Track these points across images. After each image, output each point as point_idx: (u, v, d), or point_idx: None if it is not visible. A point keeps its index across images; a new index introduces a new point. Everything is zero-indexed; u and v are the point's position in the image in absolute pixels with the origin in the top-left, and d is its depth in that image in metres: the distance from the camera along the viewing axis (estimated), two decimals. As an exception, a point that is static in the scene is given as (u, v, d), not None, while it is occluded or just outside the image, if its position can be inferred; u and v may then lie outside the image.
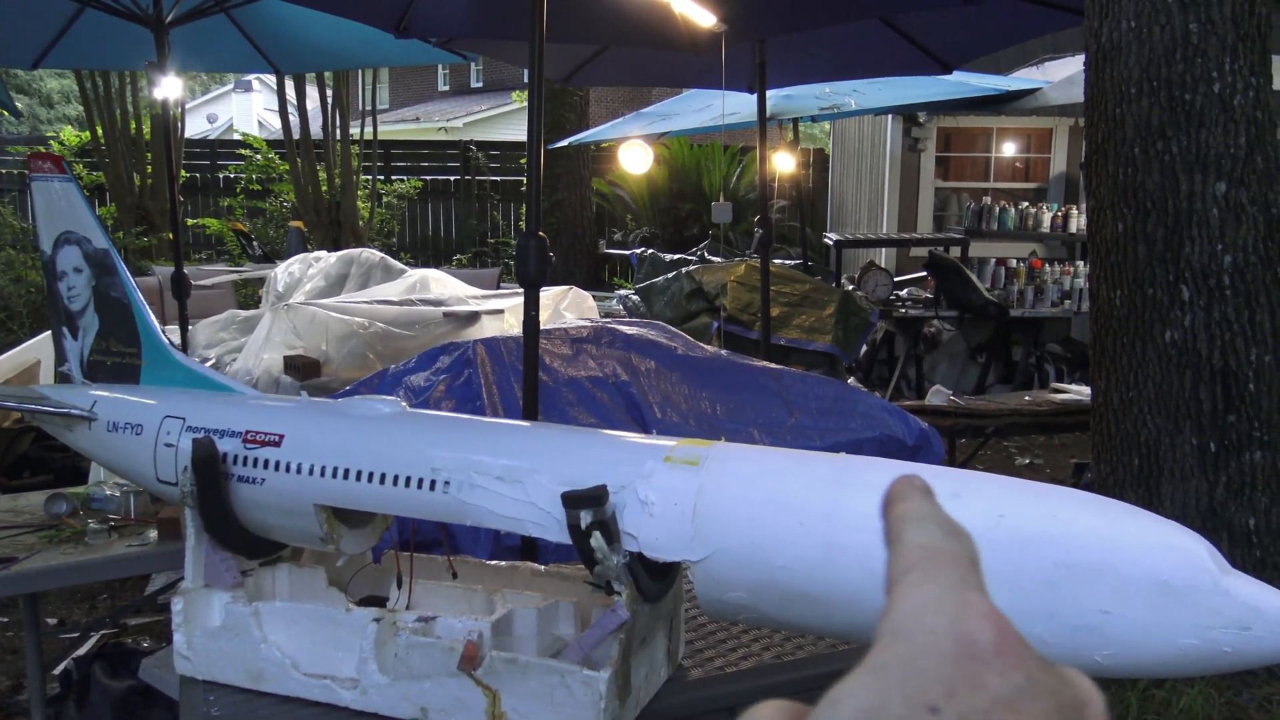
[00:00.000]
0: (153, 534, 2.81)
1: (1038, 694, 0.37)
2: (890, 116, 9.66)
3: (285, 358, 4.74)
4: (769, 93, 6.24)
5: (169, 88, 5.39)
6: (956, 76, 6.73)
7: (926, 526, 0.43)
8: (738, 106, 6.68)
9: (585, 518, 1.63)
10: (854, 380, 8.42)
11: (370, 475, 1.84)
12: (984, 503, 1.51)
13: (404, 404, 1.99)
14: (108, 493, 3.00)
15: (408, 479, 1.81)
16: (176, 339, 5.66)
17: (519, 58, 5.68)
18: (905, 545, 0.41)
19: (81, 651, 3.30)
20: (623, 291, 8.75)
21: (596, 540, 1.63)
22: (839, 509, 1.55)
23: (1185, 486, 3.33)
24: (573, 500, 1.64)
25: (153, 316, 2.26)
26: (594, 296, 6.44)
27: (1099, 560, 1.44)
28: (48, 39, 6.23)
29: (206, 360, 5.15)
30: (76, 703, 3.12)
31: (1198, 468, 3.31)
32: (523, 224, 14.06)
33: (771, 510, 1.58)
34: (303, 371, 4.61)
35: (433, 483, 1.79)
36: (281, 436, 1.94)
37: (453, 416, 2.17)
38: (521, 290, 5.42)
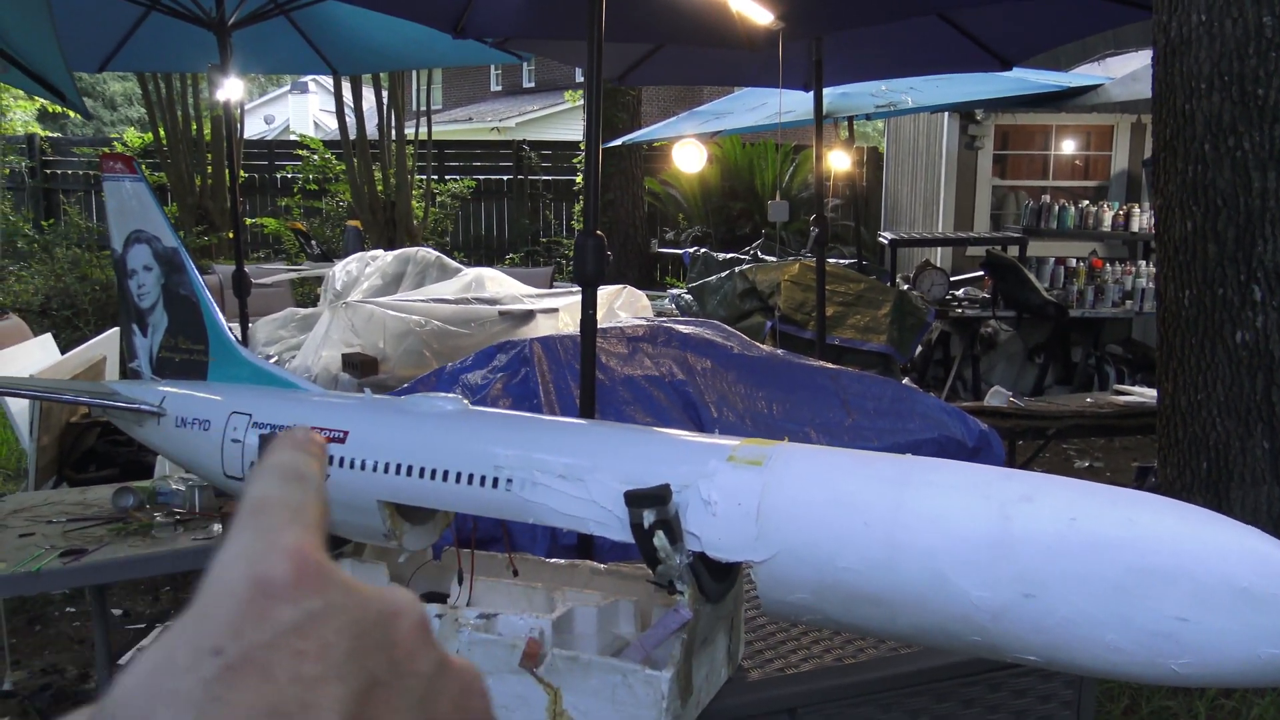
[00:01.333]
0: (217, 528, 2.85)
1: (332, 615, 0.37)
2: (946, 114, 9.54)
3: (343, 355, 4.80)
4: (825, 90, 6.20)
5: (231, 89, 5.48)
6: (1015, 73, 6.62)
7: (267, 478, 0.42)
8: (792, 105, 6.64)
9: (648, 517, 1.62)
10: (909, 381, 8.33)
11: (433, 472, 1.85)
12: (1056, 506, 1.48)
13: (465, 402, 2.00)
14: (173, 487, 3.06)
15: (470, 476, 1.82)
16: (238, 336, 5.76)
17: (574, 57, 5.69)
18: (242, 501, 0.41)
19: (146, 642, 3.37)
20: (675, 291, 8.74)
21: (660, 540, 1.62)
22: (903, 510, 1.53)
23: (1257, 491, 3.25)
24: (636, 499, 1.64)
25: (219, 314, 2.30)
26: (647, 296, 6.44)
27: (1175, 565, 1.40)
28: (113, 43, 6.37)
29: (269, 358, 5.23)
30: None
31: (1270, 472, 3.23)
32: (575, 223, 14.11)
33: (835, 511, 1.57)
34: (361, 369, 4.67)
35: (495, 480, 1.79)
36: (346, 433, 1.96)
37: (513, 414, 2.18)
38: (575, 289, 5.43)
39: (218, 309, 2.30)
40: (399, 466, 1.88)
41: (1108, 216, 9.01)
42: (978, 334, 8.36)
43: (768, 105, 7.53)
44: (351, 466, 1.93)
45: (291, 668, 0.36)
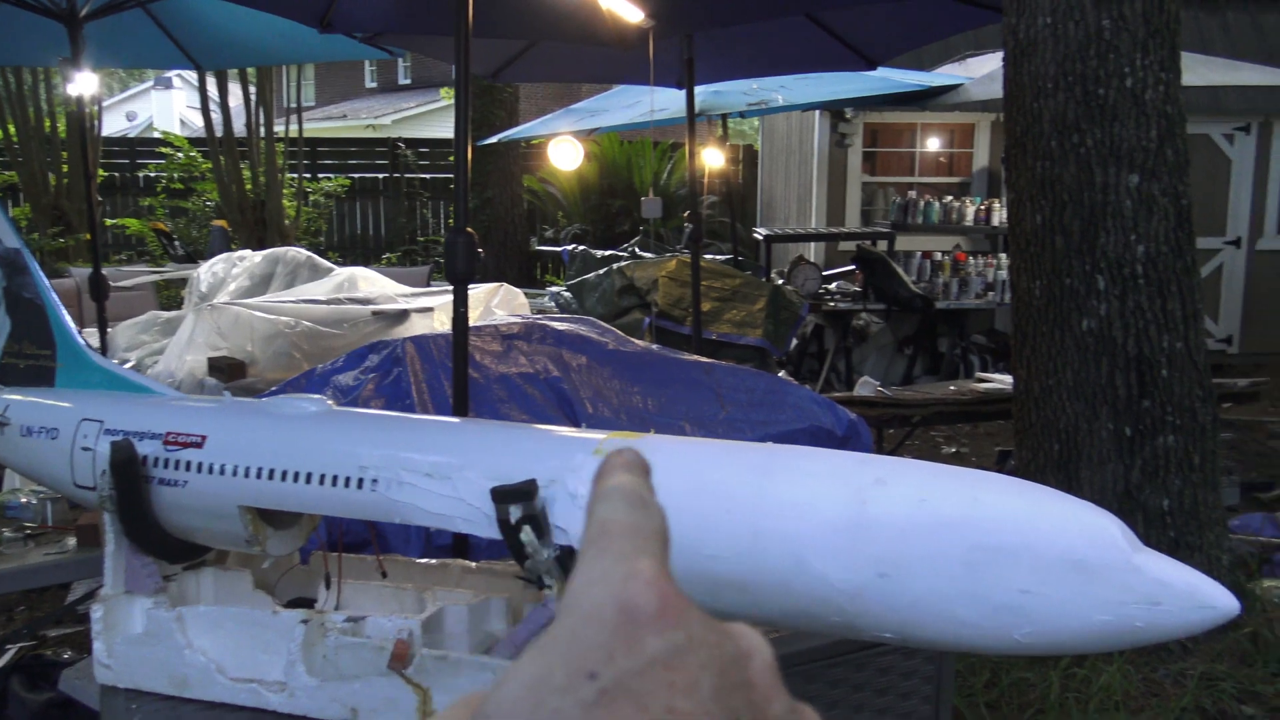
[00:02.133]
0: (71, 541, 2.74)
1: (696, 649, 0.38)
2: (817, 113, 9.76)
3: (209, 359, 4.65)
4: (698, 88, 6.28)
5: (84, 84, 5.25)
6: (881, 73, 6.82)
7: (613, 502, 0.44)
8: (666, 102, 6.71)
9: (515, 512, 1.62)
10: (784, 373, 8.50)
11: (296, 475, 1.81)
12: (907, 488, 1.54)
13: (330, 402, 1.97)
14: (23, 500, 2.92)
15: (334, 478, 1.79)
16: (95, 342, 5.52)
17: (447, 53, 5.63)
18: (590, 522, 0.43)
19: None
20: (554, 288, 8.73)
21: (527, 535, 1.63)
22: (765, 497, 1.57)
23: (1102, 470, 3.43)
24: (502, 495, 1.64)
25: (68, 318, 2.20)
26: (525, 294, 6.42)
27: (1016, 541, 1.48)
28: (-46, 34, 6.02)
29: (127, 363, 5.03)
30: (-6, 717, 3.02)
31: (1114, 452, 3.41)
32: (452, 222, 13.95)
33: (700, 500, 1.60)
34: (228, 373, 4.53)
35: (360, 481, 1.77)
36: (204, 437, 1.91)
37: (380, 414, 2.15)
38: (450, 288, 5.38)
39: (66, 313, 2.21)
40: (260, 470, 1.84)
41: (970, 211, 9.37)
42: (850, 327, 8.59)
43: (643, 103, 7.58)
44: (210, 471, 1.88)
45: (664, 700, 0.36)
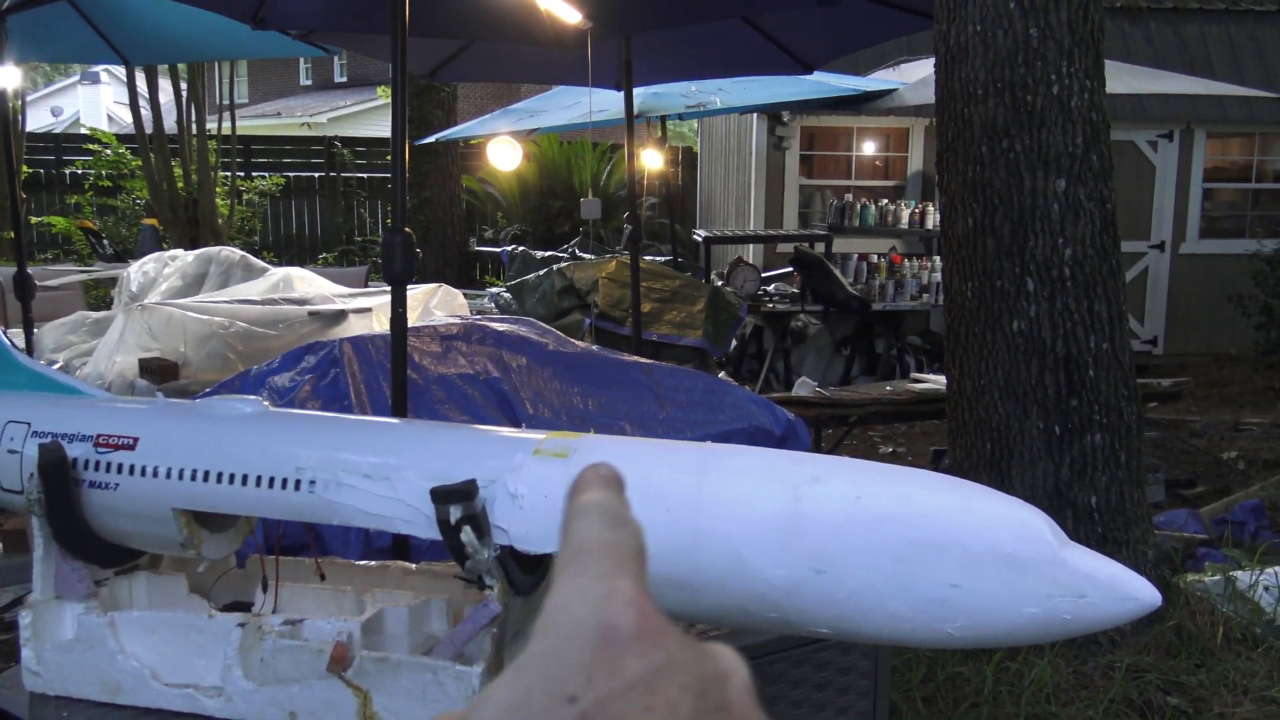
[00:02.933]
0: (-3, 547, 2.67)
1: (675, 671, 0.38)
2: (755, 115, 9.85)
3: (141, 360, 4.56)
4: (636, 90, 6.29)
5: (7, 78, 5.11)
6: (817, 77, 6.91)
7: (591, 519, 0.43)
8: (605, 104, 6.72)
9: (455, 513, 1.62)
10: (725, 374, 8.57)
11: (231, 477, 1.79)
12: (843, 485, 1.57)
13: (266, 403, 1.95)
14: (-54, 505, 2.84)
15: (271, 479, 1.77)
16: (20, 343, 5.38)
17: (382, 52, 5.59)
18: (568, 539, 0.42)
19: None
20: (494, 289, 8.70)
21: (467, 535, 1.63)
22: (702, 495, 1.59)
23: (1033, 468, 3.52)
24: (442, 495, 1.63)
25: (-7, 317, 2.15)
26: (465, 295, 6.38)
27: (946, 536, 1.51)
28: None
29: (54, 364, 4.91)
30: (-85, 730, 2.93)
31: (1044, 450, 3.50)
32: (390, 221, 13.81)
33: (639, 499, 1.60)
34: (160, 374, 4.45)
35: (297, 482, 1.76)
36: (136, 439, 1.87)
37: (317, 415, 2.13)
38: (389, 288, 5.34)
39: (-10, 312, 2.16)
40: (194, 472, 1.82)
41: (905, 214, 9.52)
42: (788, 328, 8.68)
43: (582, 104, 7.58)
44: (143, 474, 1.85)
45: None
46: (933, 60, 3.80)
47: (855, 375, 8.72)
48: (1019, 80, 3.41)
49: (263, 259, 6.40)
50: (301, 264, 9.73)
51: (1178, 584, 3.71)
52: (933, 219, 9.36)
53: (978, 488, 1.61)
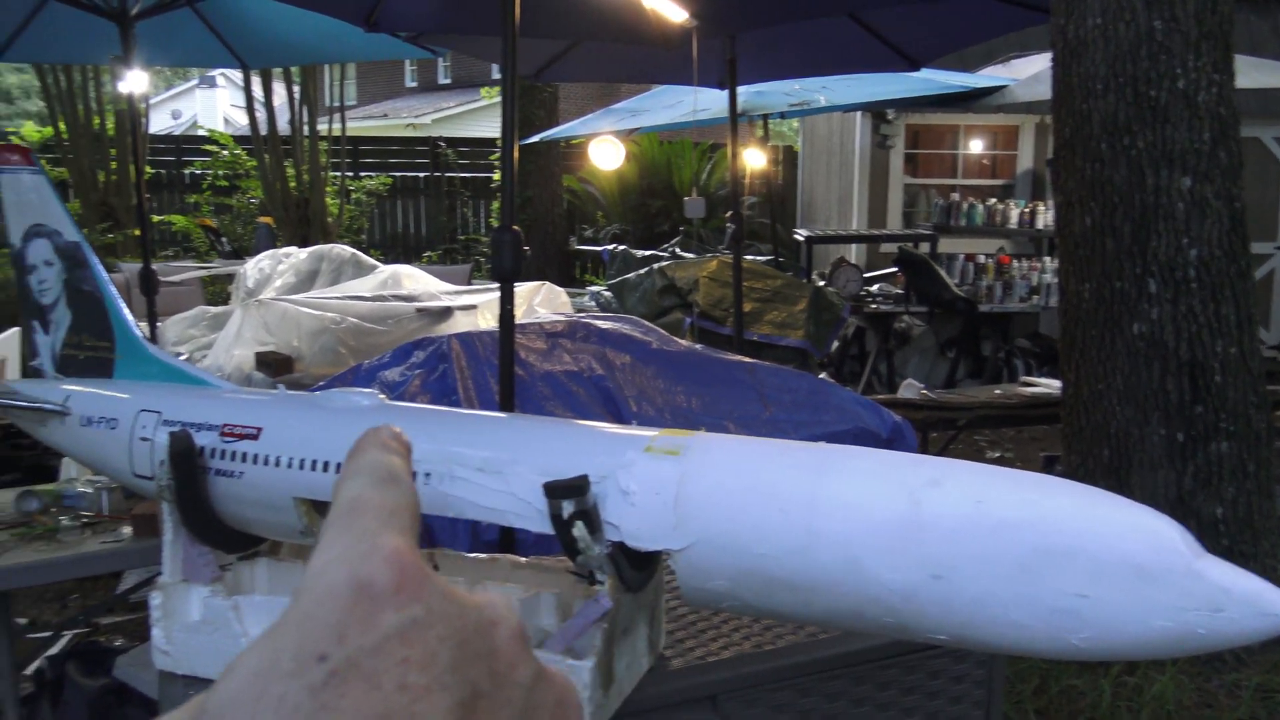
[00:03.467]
0: (127, 530, 2.78)
1: (434, 622, 0.37)
2: (859, 114, 9.72)
3: (257, 354, 4.71)
4: (739, 89, 6.25)
5: (134, 82, 5.33)
6: (924, 74, 6.78)
7: (359, 479, 0.42)
8: (708, 103, 6.70)
9: (567, 508, 1.63)
10: (825, 375, 8.47)
11: (349, 468, 1.83)
12: (962, 489, 1.53)
13: (382, 397, 1.99)
14: (80, 489, 2.97)
15: (388, 471, 1.80)
16: (145, 334, 5.61)
17: (489, 53, 5.67)
18: (335, 501, 0.41)
19: (55, 651, 3.27)
20: (595, 288, 8.75)
21: (579, 530, 1.63)
22: (818, 497, 1.56)
23: (1154, 477, 3.39)
24: (555, 490, 1.64)
25: (126, 310, 2.24)
26: (566, 293, 6.44)
27: (1074, 544, 1.46)
28: (8, 32, 6.14)
29: (179, 356, 5.11)
30: (51, 702, 3.08)
31: (1165, 458, 3.37)
32: (492, 221, 14.03)
33: (753, 499, 1.59)
34: (275, 368, 4.58)
35: (413, 475, 1.78)
36: (260, 429, 1.93)
37: (431, 409, 2.17)
38: (494, 286, 5.40)
39: (124, 305, 2.25)
40: (314, 462, 1.86)
41: (1014, 214, 9.28)
42: (892, 329, 8.54)
43: (684, 103, 7.58)
44: (266, 463, 1.90)
45: (398, 676, 0.35)
46: (1043, 55, 3.69)
47: (960, 378, 8.53)
48: (1142, 74, 3.29)
49: (370, 257, 6.56)
50: (407, 262, 9.95)
51: (1308, 601, 3.52)
52: (1043, 219, 9.10)
53: (1105, 494, 1.55)
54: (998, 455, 7.25)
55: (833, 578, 1.56)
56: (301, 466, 1.88)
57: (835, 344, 8.44)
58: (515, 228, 2.97)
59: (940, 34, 5.70)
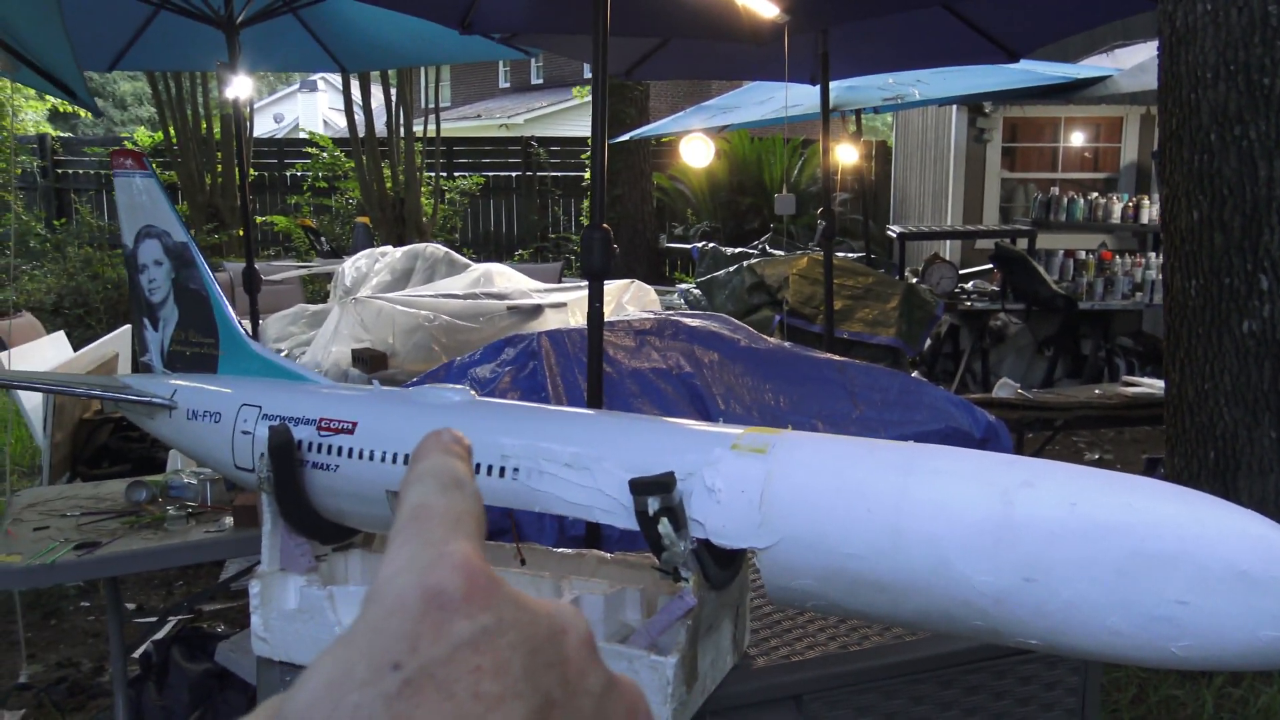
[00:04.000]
0: (229, 521, 2.88)
1: (505, 630, 0.37)
2: (955, 107, 9.53)
3: (353, 350, 4.83)
4: (832, 84, 6.17)
5: (239, 87, 5.51)
6: (1023, 65, 6.62)
7: (424, 484, 0.42)
8: (799, 99, 6.65)
9: (653, 504, 1.64)
10: (918, 374, 8.33)
11: (441, 462, 1.87)
12: (1057, 491, 1.49)
13: (472, 393, 2.02)
14: (185, 481, 3.09)
15: (477, 465, 1.83)
16: (248, 331, 5.80)
17: (581, 52, 5.71)
18: (401, 507, 0.41)
19: (160, 635, 3.40)
20: (684, 285, 8.75)
21: (664, 527, 1.64)
22: (906, 496, 1.54)
23: (1264, 480, 3.25)
24: (641, 487, 1.65)
25: (229, 308, 2.32)
26: (655, 291, 6.45)
27: (1175, 549, 1.41)
28: (123, 41, 6.40)
29: (279, 352, 5.27)
30: (156, 684, 3.21)
31: (1277, 461, 3.23)
32: (583, 219, 14.14)
33: (839, 498, 1.58)
34: (370, 364, 4.69)
35: (502, 469, 1.81)
36: (355, 424, 1.98)
37: (520, 405, 2.19)
38: (583, 284, 5.45)
39: (228, 303, 2.33)
40: (407, 457, 1.89)
41: (1117, 208, 8.99)
42: (987, 327, 8.35)
43: (775, 99, 7.53)
44: (361, 457, 1.95)
45: (471, 685, 0.36)
46: (1149, 44, 3.57)
47: (1059, 378, 8.31)
48: (1255, 61, 3.15)
49: (463, 255, 6.67)
50: (499, 260, 10.09)
51: None
52: (1148, 213, 8.79)
53: (1208, 498, 1.50)
54: (1096, 457, 7.05)
55: (922, 579, 1.54)
56: (394, 460, 1.92)
57: (929, 342, 8.30)
58: (605, 226, 2.99)
59: (1039, 23, 5.56)
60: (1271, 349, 3.20)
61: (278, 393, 2.13)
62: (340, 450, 1.97)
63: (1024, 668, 2.15)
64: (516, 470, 1.80)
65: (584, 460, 1.76)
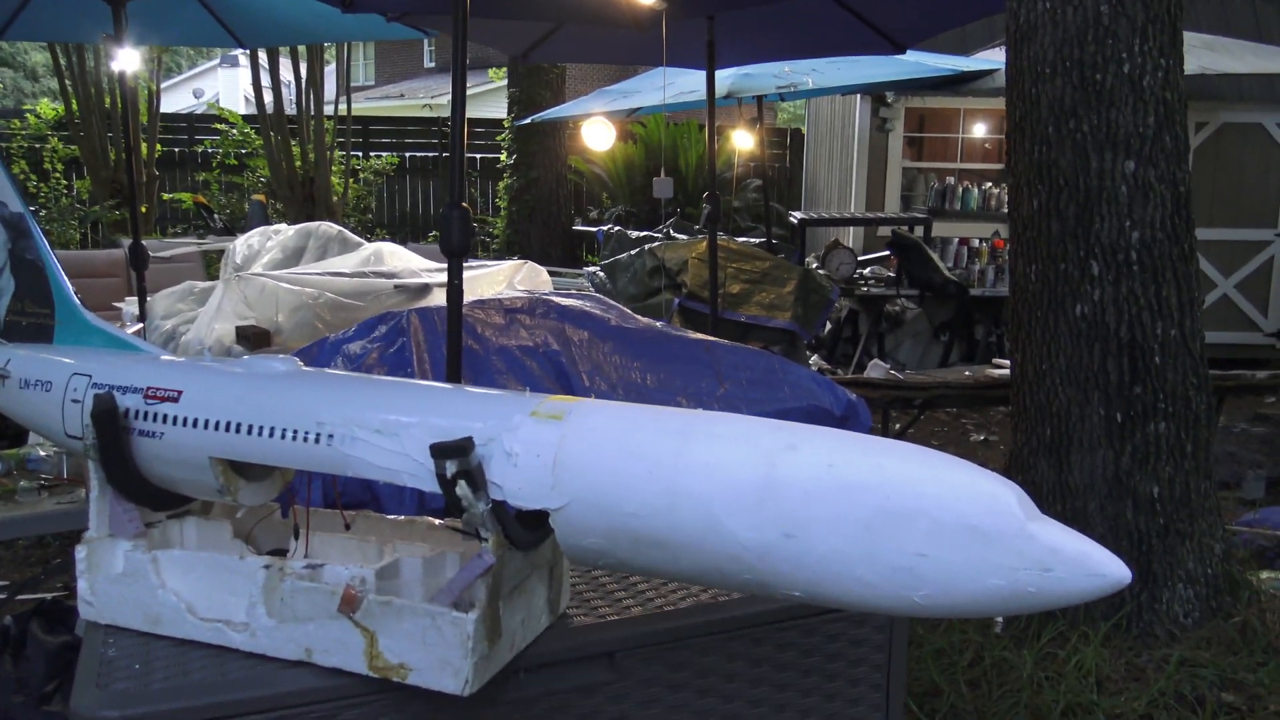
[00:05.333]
0: (82, 492, 2.90)
1: None
2: (859, 97, 9.72)
3: (237, 328, 4.82)
4: (726, 71, 6.30)
5: (126, 61, 5.44)
6: (916, 57, 6.81)
7: None
8: (697, 84, 6.75)
9: (450, 467, 1.72)
10: (816, 357, 8.53)
11: (260, 429, 1.93)
12: (817, 453, 1.61)
13: (298, 362, 2.08)
14: (42, 454, 3.09)
15: (295, 432, 1.90)
16: (136, 310, 5.75)
17: (476, 34, 5.74)
18: None
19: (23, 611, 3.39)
20: (591, 268, 8.83)
21: (462, 489, 1.72)
22: (683, 458, 1.64)
23: (1093, 456, 3.45)
24: (440, 451, 1.73)
25: (66, 280, 2.34)
26: (567, 273, 6.51)
27: (915, 506, 1.53)
28: (9, 11, 6.25)
29: (163, 331, 5.23)
30: (13, 657, 3.21)
31: (1105, 437, 3.42)
32: (499, 201, 14.11)
33: (624, 460, 1.68)
34: (253, 341, 4.69)
35: (318, 436, 1.88)
36: (180, 392, 2.03)
37: (343, 375, 2.26)
38: (489, 264, 5.50)
39: (65, 275, 2.35)
40: (229, 424, 1.96)
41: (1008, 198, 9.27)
42: (884, 312, 8.58)
43: (675, 84, 7.63)
44: (185, 424, 2.00)
45: None
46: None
47: (953, 361, 8.57)
48: (1088, 59, 3.33)
49: (376, 236, 6.66)
50: (415, 241, 10.06)
51: (1250, 580, 3.59)
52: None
53: (951, 459, 1.63)
54: (982, 438, 7.31)
55: (695, 535, 1.64)
56: (217, 428, 1.97)
57: (827, 326, 8.50)
58: (464, 204, 3.06)
59: (922, 16, 5.73)
60: (1101, 331, 3.39)
61: (109, 362, 2.16)
62: (165, 418, 2.01)
63: (830, 626, 2.27)
64: (331, 437, 1.87)
65: (394, 427, 1.84)
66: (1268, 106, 9.60)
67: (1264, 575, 3.75)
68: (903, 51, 5.98)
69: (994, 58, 8.23)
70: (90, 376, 2.13)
